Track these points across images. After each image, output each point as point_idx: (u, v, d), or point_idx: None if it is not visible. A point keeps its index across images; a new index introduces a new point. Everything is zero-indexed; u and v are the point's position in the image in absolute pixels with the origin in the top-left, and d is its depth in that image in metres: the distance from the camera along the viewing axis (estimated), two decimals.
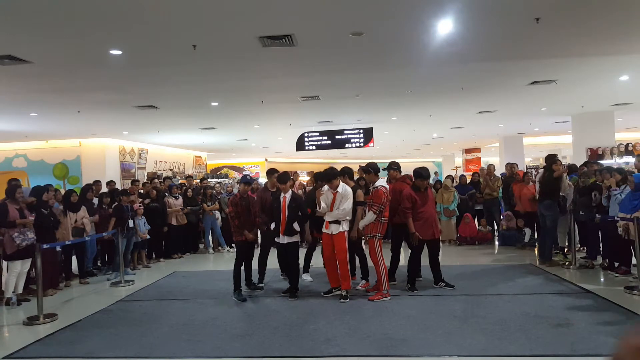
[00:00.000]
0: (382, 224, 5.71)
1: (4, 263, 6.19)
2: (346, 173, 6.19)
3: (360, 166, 6.18)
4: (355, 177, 6.80)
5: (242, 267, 6.22)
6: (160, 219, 8.96)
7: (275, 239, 6.09)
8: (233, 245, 9.92)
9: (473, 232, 9.69)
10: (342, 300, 5.60)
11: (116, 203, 8.05)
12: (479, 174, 10.65)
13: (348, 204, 5.69)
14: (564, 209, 7.50)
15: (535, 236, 8.74)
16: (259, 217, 6.36)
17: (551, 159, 7.51)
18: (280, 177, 6.05)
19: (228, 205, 6.50)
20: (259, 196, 6.77)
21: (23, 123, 11.09)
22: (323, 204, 5.80)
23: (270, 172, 6.79)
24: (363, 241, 6.39)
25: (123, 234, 7.55)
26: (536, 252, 8.24)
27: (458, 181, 11.11)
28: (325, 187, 5.93)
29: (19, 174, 12.76)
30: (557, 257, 7.62)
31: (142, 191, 9.69)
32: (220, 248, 10.22)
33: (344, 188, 5.76)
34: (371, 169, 5.95)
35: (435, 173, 16.93)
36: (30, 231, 6.03)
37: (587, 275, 6.59)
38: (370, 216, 5.67)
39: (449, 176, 11.07)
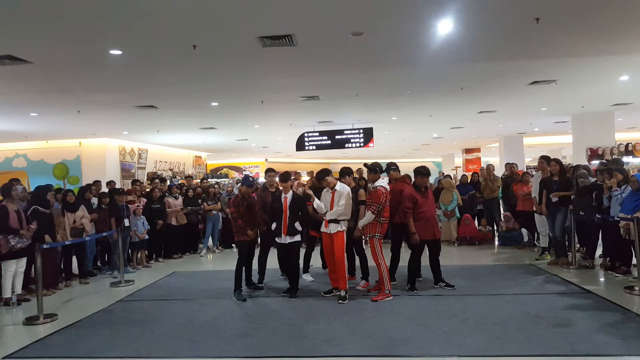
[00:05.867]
0: (381, 224, 5.72)
1: None
2: (348, 174, 6.25)
3: (364, 164, 6.20)
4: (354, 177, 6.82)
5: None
6: (160, 219, 8.95)
7: (277, 239, 6.09)
8: (232, 245, 9.92)
9: (473, 232, 9.69)
10: (340, 301, 5.58)
11: (110, 201, 8.02)
12: (479, 174, 10.63)
13: (346, 200, 5.72)
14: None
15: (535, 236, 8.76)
16: (260, 216, 6.36)
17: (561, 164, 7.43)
18: (282, 177, 6.06)
19: (229, 206, 6.50)
20: (259, 195, 6.76)
21: (23, 123, 11.09)
22: (320, 204, 5.81)
23: (267, 172, 6.81)
24: (364, 241, 6.40)
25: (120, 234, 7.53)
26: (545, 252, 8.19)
27: (458, 181, 11.09)
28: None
29: (19, 174, 12.79)
30: (548, 257, 7.66)
31: (146, 190, 9.67)
32: (216, 248, 10.15)
33: (341, 186, 5.81)
34: (377, 169, 5.99)
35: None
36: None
37: (587, 275, 6.59)
38: (368, 216, 5.69)
39: (448, 176, 11.05)
